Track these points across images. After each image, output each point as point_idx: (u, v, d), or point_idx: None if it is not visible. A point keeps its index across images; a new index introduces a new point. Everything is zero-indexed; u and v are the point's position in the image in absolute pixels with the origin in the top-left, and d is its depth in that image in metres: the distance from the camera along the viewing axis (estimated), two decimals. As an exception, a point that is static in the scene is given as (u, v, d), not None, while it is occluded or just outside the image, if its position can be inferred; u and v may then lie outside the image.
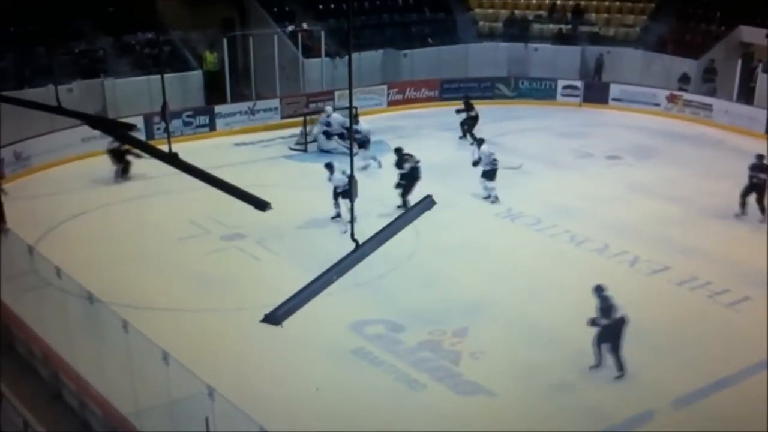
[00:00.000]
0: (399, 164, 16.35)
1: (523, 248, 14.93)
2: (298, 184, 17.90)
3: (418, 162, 16.35)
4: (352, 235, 6.23)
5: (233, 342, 11.39)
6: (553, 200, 17.07)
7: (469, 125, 21.00)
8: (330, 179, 15.41)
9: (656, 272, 13.87)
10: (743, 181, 16.18)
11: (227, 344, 11.36)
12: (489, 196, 17.03)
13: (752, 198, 16.08)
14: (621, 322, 10.66)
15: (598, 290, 10.79)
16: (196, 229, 15.42)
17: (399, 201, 16.09)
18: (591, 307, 12.55)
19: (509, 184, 18.06)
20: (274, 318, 6.07)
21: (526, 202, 16.96)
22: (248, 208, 6.04)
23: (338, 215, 15.49)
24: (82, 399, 9.70)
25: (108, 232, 15.37)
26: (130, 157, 17.65)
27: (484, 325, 12.07)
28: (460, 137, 21.04)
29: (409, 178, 16.18)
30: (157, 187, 17.05)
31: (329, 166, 15.53)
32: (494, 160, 17.02)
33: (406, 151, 16.58)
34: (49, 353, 10.36)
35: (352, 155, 6.89)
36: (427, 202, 6.71)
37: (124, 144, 17.17)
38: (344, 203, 15.23)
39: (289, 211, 15.85)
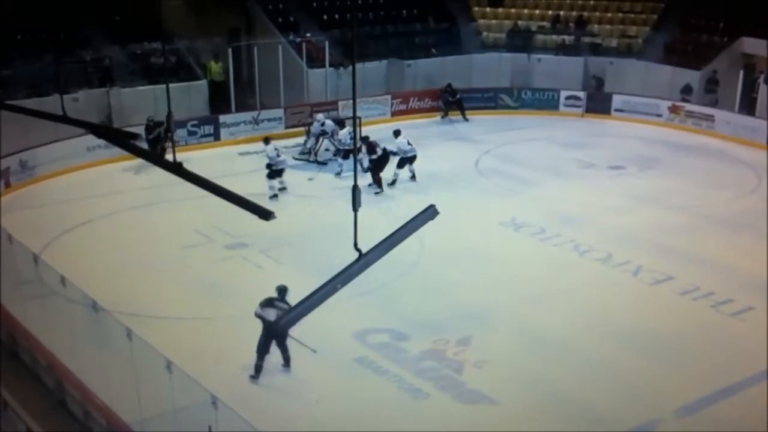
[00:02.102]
0: (372, 150, 17.75)
1: (527, 257, 14.96)
2: (301, 193, 17.95)
3: (384, 147, 17.99)
4: (356, 244, 6.27)
5: (237, 351, 11.39)
6: (557, 210, 17.09)
7: (459, 108, 23.99)
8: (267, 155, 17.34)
9: (659, 282, 13.88)
10: (745, 190, 16.23)
11: (231, 353, 11.37)
12: (393, 182, 18.27)
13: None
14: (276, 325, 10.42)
15: (281, 291, 10.66)
16: (201, 238, 15.47)
17: (376, 188, 17.69)
18: (595, 316, 12.67)
19: (513, 193, 18.13)
20: (278, 327, 6.10)
21: (530, 211, 16.99)
22: (252, 218, 6.08)
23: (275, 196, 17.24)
24: (86, 407, 9.72)
25: (112, 240, 15.41)
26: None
27: (488, 334, 12.09)
28: (442, 116, 24.20)
29: (383, 160, 17.86)
30: (162, 196, 17.10)
31: (266, 141, 17.71)
32: (411, 148, 18.30)
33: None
34: (53, 361, 10.38)
35: (356, 165, 6.92)
36: (431, 212, 6.74)
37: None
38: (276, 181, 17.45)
39: (293, 220, 15.90)
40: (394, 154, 18.29)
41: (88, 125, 8.79)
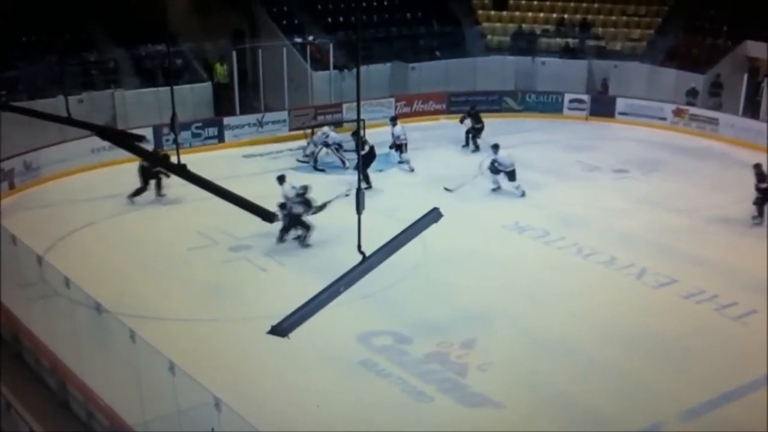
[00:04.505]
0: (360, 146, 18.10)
1: (531, 260, 14.94)
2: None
3: (372, 145, 18.37)
4: (359, 246, 6.26)
5: (240, 353, 11.41)
6: (561, 213, 17.08)
7: (473, 135, 21.78)
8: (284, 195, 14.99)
9: (663, 285, 13.85)
10: (748, 193, 16.32)
11: (234, 355, 11.38)
12: (522, 194, 18.01)
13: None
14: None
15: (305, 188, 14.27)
16: (204, 240, 15.48)
17: (364, 184, 17.05)
18: (599, 319, 12.66)
19: (517, 196, 18.09)
20: (280, 329, 6.08)
21: (534, 214, 16.98)
22: (256, 220, 6.09)
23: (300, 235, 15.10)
24: (89, 409, 9.73)
25: (116, 242, 15.44)
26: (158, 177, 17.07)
27: (492, 336, 12.08)
28: (463, 146, 21.81)
29: (369, 158, 18.09)
30: (166, 198, 17.16)
31: (281, 179, 15.27)
32: (512, 162, 18.03)
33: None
34: (57, 362, 10.40)
35: (360, 167, 6.93)
36: (435, 215, 6.71)
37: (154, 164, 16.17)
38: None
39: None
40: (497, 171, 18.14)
41: (93, 127, 8.82)
